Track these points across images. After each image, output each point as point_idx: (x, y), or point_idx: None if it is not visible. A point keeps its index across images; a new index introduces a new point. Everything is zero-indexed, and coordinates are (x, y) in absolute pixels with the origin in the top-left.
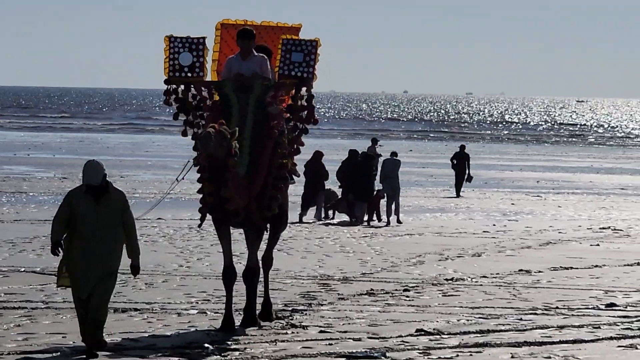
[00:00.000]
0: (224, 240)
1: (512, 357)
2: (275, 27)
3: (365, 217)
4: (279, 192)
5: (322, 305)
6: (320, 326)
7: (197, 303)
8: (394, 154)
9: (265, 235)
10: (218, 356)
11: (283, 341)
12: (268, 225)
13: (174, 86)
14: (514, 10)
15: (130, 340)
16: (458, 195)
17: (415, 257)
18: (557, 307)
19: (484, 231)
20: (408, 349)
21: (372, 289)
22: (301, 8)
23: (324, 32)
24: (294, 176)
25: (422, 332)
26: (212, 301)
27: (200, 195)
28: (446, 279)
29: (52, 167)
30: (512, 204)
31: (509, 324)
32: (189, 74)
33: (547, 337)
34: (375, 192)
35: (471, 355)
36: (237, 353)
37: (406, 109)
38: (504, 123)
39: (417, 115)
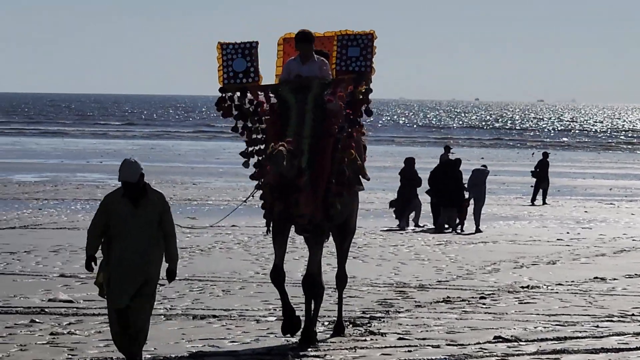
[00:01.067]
0: (278, 247)
1: None
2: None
3: (456, 223)
4: (343, 189)
5: (399, 312)
6: (399, 333)
7: (275, 310)
8: (483, 166)
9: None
10: None
11: (362, 348)
12: (332, 237)
13: (230, 94)
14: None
15: (211, 346)
16: (544, 203)
17: (490, 265)
18: (633, 314)
19: (558, 239)
20: (486, 356)
21: (448, 297)
22: (372, 13)
23: (394, 39)
24: (363, 180)
25: (500, 339)
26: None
27: (262, 204)
28: (522, 287)
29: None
30: (585, 211)
31: (586, 331)
32: (244, 80)
33: (624, 343)
34: (464, 200)
35: None
36: (317, 359)
37: (477, 117)
38: (575, 130)
39: (487, 123)
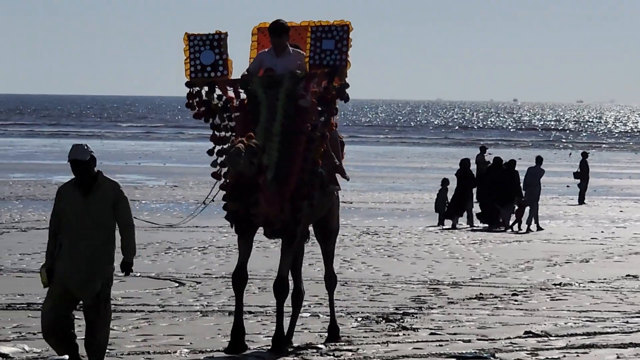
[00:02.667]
0: (243, 246)
1: (618, 357)
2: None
3: (511, 223)
4: (314, 191)
5: (432, 308)
6: (431, 328)
7: (310, 306)
8: (539, 161)
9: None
10: (331, 356)
11: (395, 342)
12: (316, 239)
13: (197, 88)
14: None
15: (246, 342)
16: (581, 203)
17: (524, 263)
18: None
19: (592, 238)
20: (516, 350)
21: (481, 294)
22: (406, 12)
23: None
24: (342, 178)
25: (530, 334)
26: (324, 305)
27: (223, 205)
28: (554, 284)
29: (163, 176)
30: (621, 211)
31: (615, 327)
32: (212, 74)
33: None
34: (519, 200)
35: (578, 356)
36: (349, 353)
37: (515, 118)
38: (613, 131)
39: (525, 124)
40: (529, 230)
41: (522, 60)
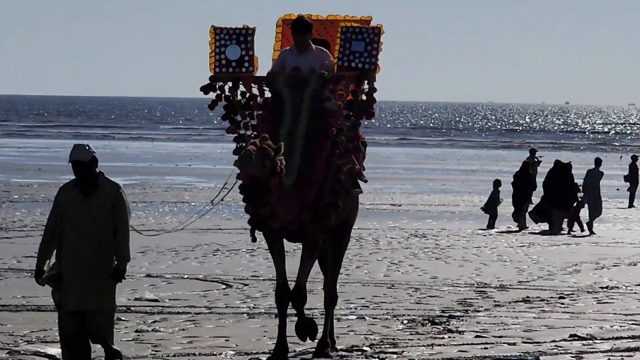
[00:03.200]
0: (276, 257)
1: None
2: (339, 21)
3: (565, 227)
4: (339, 197)
5: (478, 311)
6: (476, 331)
7: (356, 309)
8: (598, 163)
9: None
10: (376, 358)
11: (440, 345)
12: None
13: (220, 83)
14: None
15: (291, 343)
16: (630, 206)
17: (572, 266)
18: None
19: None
20: (561, 353)
21: (527, 296)
22: (462, 17)
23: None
24: (361, 181)
25: (576, 337)
26: (370, 307)
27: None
28: (601, 287)
29: (214, 178)
30: None
31: None
32: (237, 69)
33: None
34: (576, 203)
35: (622, 358)
36: (394, 356)
37: (567, 121)
38: None
39: (575, 126)
40: (592, 232)
41: (574, 63)
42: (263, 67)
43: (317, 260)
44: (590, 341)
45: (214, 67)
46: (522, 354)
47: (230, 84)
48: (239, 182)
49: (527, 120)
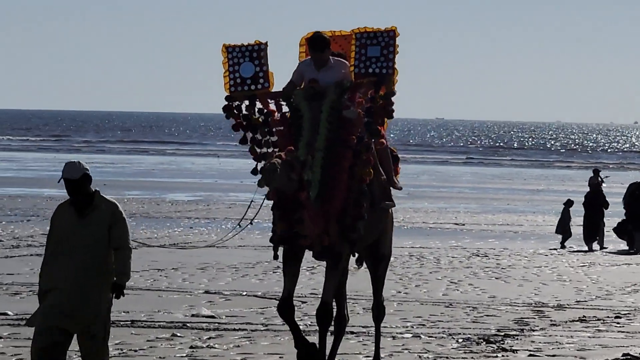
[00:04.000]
0: (289, 278)
1: None
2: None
3: None
4: (362, 210)
5: (533, 330)
6: (530, 350)
7: (412, 327)
8: None
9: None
10: None
11: None
12: (365, 264)
13: (237, 103)
14: None
15: None
16: None
17: (631, 286)
18: None
19: None
20: None
21: (584, 316)
22: (527, 36)
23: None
24: (394, 189)
25: (629, 356)
26: (426, 325)
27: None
28: None
29: None
30: None
31: None
32: (253, 86)
33: None
34: None
35: None
36: None
37: (634, 140)
38: None
39: None
40: None
41: None
42: (279, 82)
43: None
44: None
45: (229, 86)
46: None
47: (247, 102)
48: (267, 201)
49: (594, 139)
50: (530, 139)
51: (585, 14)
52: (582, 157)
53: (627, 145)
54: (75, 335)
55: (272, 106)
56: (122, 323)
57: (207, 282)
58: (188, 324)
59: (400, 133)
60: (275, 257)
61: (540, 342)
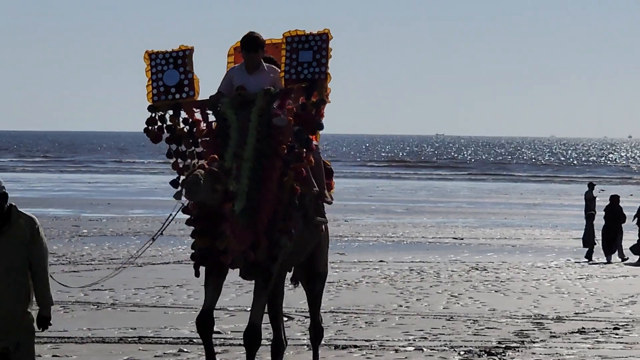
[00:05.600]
0: (210, 288)
1: None
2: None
3: None
4: (292, 225)
5: (534, 342)
6: None
7: (414, 340)
8: None
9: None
10: None
11: None
12: (302, 284)
13: (161, 113)
14: None
15: None
16: None
17: (628, 297)
18: None
19: None
20: None
21: (583, 328)
22: (522, 52)
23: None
24: (326, 204)
25: None
26: (428, 339)
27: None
28: None
29: None
30: None
31: None
32: (177, 95)
33: None
34: None
35: None
36: None
37: (624, 155)
38: None
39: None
40: None
41: (637, 96)
42: (205, 91)
43: (268, 309)
44: None
45: (152, 95)
46: None
47: (170, 111)
48: (181, 213)
49: (589, 153)
50: (526, 154)
51: (577, 30)
52: (577, 170)
53: (622, 159)
54: None
55: (198, 115)
56: (130, 339)
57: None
58: (194, 340)
59: (402, 148)
60: (197, 274)
61: (540, 354)
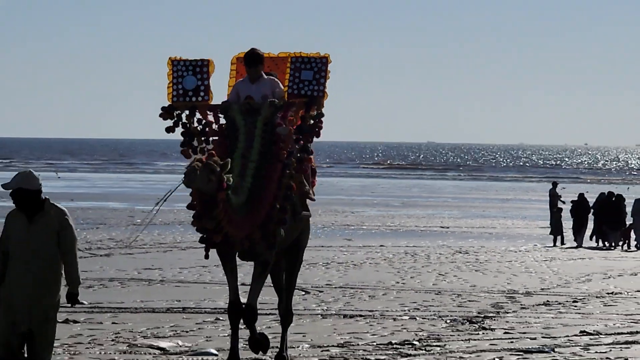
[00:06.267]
0: (229, 275)
1: None
2: (290, 57)
3: (620, 244)
4: (287, 215)
5: (507, 313)
6: (505, 329)
7: (409, 311)
8: None
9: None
10: (423, 351)
11: (475, 340)
12: (283, 269)
13: (178, 112)
14: None
15: (356, 338)
16: None
17: (585, 276)
18: None
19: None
20: (572, 345)
21: (547, 301)
22: (489, 62)
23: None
24: (310, 200)
25: (585, 333)
26: (420, 309)
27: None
28: (607, 293)
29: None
30: None
31: None
32: (194, 98)
33: None
34: (627, 225)
35: (621, 350)
36: (438, 348)
37: (582, 160)
38: None
39: (592, 164)
40: (638, 247)
41: (593, 107)
42: (217, 97)
43: (273, 284)
44: (596, 336)
45: (172, 96)
46: (540, 346)
47: (187, 112)
48: (180, 188)
49: (553, 158)
50: (500, 158)
51: (545, 42)
52: (541, 172)
53: (579, 163)
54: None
55: (210, 117)
56: (175, 309)
57: (243, 276)
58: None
59: (398, 153)
60: (207, 256)
61: (513, 322)
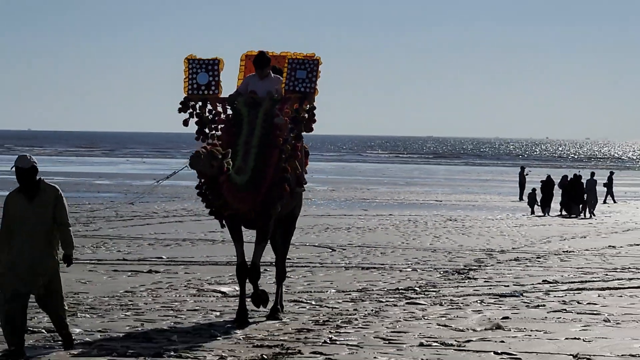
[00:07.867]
0: (236, 242)
1: (599, 296)
2: (288, 56)
3: (582, 215)
4: (283, 191)
5: (487, 266)
6: (485, 278)
7: (411, 264)
8: (593, 175)
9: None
10: (422, 295)
11: (462, 286)
12: (278, 236)
13: (192, 103)
14: None
15: (371, 285)
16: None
17: (545, 238)
18: (629, 268)
19: (589, 223)
20: (536, 291)
21: (517, 257)
22: (470, 57)
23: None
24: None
25: (546, 282)
26: (420, 263)
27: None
28: (563, 251)
29: (326, 184)
30: (608, 206)
31: (599, 278)
32: (206, 92)
33: (621, 285)
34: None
35: (574, 295)
36: (434, 293)
37: (543, 150)
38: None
39: (552, 154)
40: (592, 215)
41: (554, 101)
42: (227, 90)
43: (272, 245)
44: (555, 284)
45: (187, 89)
46: (512, 291)
47: (200, 103)
48: (186, 168)
49: (521, 148)
50: (480, 148)
51: (518, 40)
52: (513, 159)
53: (541, 152)
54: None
55: (220, 108)
56: (232, 263)
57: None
58: (273, 263)
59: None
60: (222, 225)
61: (491, 273)
